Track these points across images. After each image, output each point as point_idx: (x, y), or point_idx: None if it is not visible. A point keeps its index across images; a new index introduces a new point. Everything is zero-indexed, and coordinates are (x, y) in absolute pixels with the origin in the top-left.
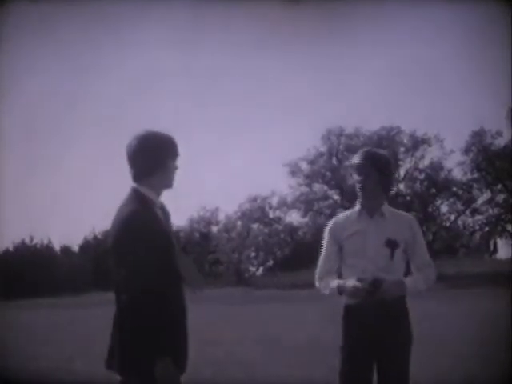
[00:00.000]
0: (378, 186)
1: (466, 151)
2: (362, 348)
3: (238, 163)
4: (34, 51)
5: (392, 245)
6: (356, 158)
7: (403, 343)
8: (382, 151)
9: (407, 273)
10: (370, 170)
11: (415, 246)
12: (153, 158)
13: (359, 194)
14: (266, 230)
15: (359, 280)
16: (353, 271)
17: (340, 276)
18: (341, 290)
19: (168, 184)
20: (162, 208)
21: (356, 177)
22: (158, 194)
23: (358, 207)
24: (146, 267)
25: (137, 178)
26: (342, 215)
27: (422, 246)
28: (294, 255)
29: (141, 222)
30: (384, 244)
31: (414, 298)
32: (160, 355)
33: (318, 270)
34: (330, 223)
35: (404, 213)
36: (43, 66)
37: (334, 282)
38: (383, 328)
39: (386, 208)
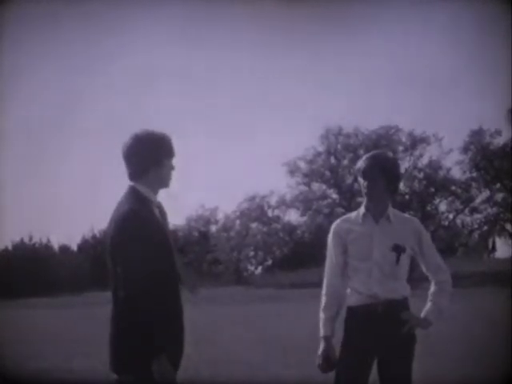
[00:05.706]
0: (385, 190)
1: (465, 150)
2: (363, 349)
3: (237, 162)
4: (35, 50)
5: (398, 250)
6: (362, 163)
7: (406, 344)
8: (388, 154)
9: (409, 278)
10: (376, 174)
11: (423, 248)
12: (147, 156)
13: (365, 197)
14: (264, 229)
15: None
16: (358, 274)
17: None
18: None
19: (164, 183)
20: (160, 207)
21: (362, 181)
22: (155, 193)
23: (362, 210)
24: (143, 266)
25: (132, 176)
26: (346, 217)
27: (431, 248)
28: (293, 254)
29: (138, 221)
30: (390, 249)
31: (412, 298)
32: (157, 354)
33: (324, 282)
34: (334, 226)
35: (408, 216)
36: (43, 66)
37: (326, 326)
38: (386, 329)
39: (392, 211)
